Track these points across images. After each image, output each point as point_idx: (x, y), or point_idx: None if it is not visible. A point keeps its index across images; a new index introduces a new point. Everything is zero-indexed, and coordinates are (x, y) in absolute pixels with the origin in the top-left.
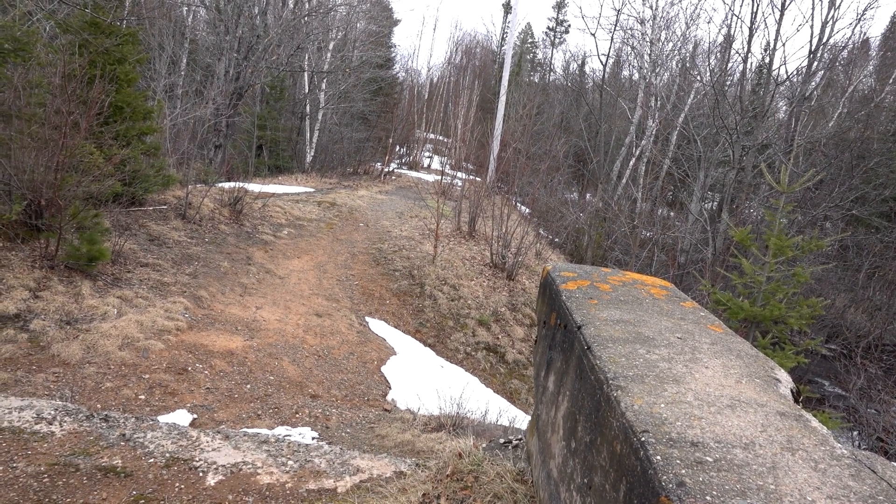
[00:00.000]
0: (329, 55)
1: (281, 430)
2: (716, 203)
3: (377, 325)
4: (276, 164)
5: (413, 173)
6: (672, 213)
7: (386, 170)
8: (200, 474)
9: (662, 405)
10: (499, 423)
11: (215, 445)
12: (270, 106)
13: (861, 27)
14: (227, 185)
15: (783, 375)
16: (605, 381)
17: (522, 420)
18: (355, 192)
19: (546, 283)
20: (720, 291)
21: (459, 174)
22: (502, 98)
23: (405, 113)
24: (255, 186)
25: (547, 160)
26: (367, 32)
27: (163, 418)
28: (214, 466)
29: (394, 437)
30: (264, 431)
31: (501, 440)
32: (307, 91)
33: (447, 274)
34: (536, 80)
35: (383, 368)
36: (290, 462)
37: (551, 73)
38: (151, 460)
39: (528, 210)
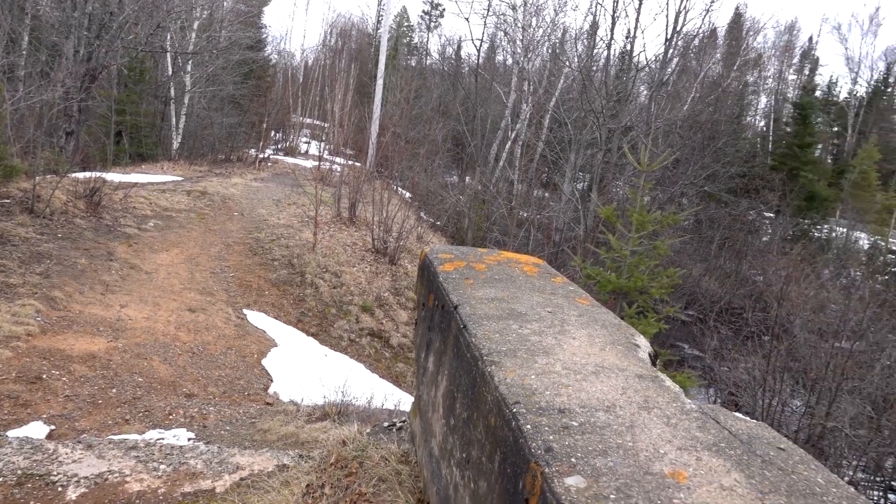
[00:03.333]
0: (194, 35)
1: (153, 434)
2: (586, 183)
3: (256, 318)
4: (138, 151)
5: (290, 159)
6: (547, 194)
7: (261, 156)
8: (59, 489)
9: (533, 377)
10: (384, 407)
11: (76, 456)
12: (130, 89)
13: (710, 17)
14: (82, 175)
15: (642, 341)
16: (480, 358)
17: (408, 402)
18: (228, 179)
19: (424, 265)
20: (591, 266)
21: (338, 159)
22: (380, 82)
23: (279, 97)
24: (115, 176)
25: (426, 144)
26: (234, 12)
27: (13, 433)
28: (76, 479)
29: (277, 431)
30: (133, 437)
31: (386, 424)
32: (171, 73)
33: (328, 261)
34: (414, 64)
35: (264, 361)
36: (162, 466)
37: (428, 58)
38: (0, 479)
39: (409, 194)
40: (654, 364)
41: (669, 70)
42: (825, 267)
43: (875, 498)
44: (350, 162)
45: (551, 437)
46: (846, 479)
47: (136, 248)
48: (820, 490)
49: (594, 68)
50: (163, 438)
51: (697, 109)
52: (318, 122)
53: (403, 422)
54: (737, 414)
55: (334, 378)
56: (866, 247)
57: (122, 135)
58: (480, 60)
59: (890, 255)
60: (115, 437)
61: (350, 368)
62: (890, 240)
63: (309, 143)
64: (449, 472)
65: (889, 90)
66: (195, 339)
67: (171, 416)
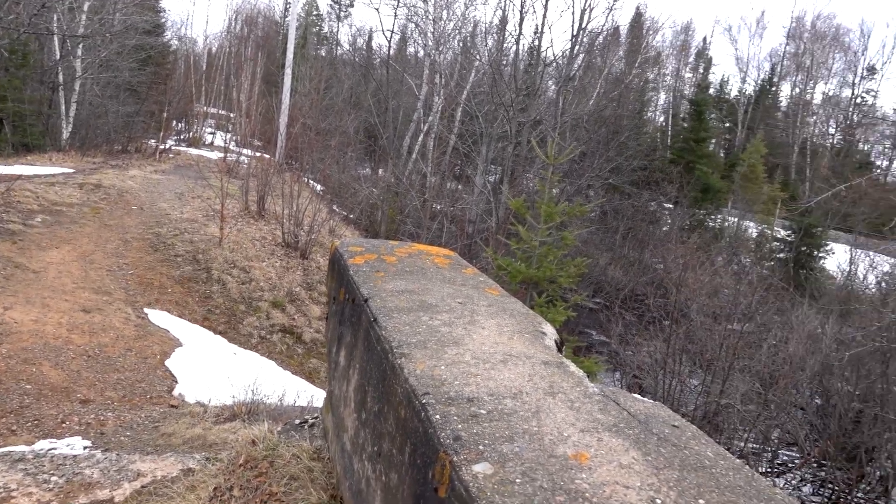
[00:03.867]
0: (84, 17)
1: (43, 444)
2: (498, 175)
3: (159, 317)
4: (22, 141)
5: (194, 150)
6: (460, 186)
7: (162, 147)
8: None
9: (443, 367)
10: (297, 404)
11: None
12: (12, 74)
13: (612, 16)
14: None
15: (549, 329)
16: (391, 350)
17: (321, 399)
18: (125, 171)
19: (335, 258)
20: (502, 257)
21: (246, 151)
22: (288, 71)
23: (181, 85)
24: None
25: (338, 136)
26: None
27: None
28: None
29: (182, 434)
30: (21, 448)
31: (298, 421)
32: (59, 58)
33: (236, 256)
34: (324, 55)
35: (167, 362)
36: (54, 478)
37: (338, 48)
38: None
39: (320, 187)
40: (559, 351)
41: (576, 66)
42: (719, 254)
43: (764, 467)
44: (258, 154)
45: (460, 426)
46: (738, 450)
47: (21, 245)
48: (709, 463)
49: (504, 62)
50: (55, 448)
51: (602, 105)
52: (223, 112)
53: (316, 418)
54: (635, 395)
55: (244, 377)
56: (755, 235)
57: (4, 123)
58: (392, 52)
59: (775, 243)
60: (1, 450)
61: (261, 366)
62: (775, 228)
63: (214, 133)
64: (361, 467)
65: (773, 89)
66: (90, 342)
67: (64, 425)
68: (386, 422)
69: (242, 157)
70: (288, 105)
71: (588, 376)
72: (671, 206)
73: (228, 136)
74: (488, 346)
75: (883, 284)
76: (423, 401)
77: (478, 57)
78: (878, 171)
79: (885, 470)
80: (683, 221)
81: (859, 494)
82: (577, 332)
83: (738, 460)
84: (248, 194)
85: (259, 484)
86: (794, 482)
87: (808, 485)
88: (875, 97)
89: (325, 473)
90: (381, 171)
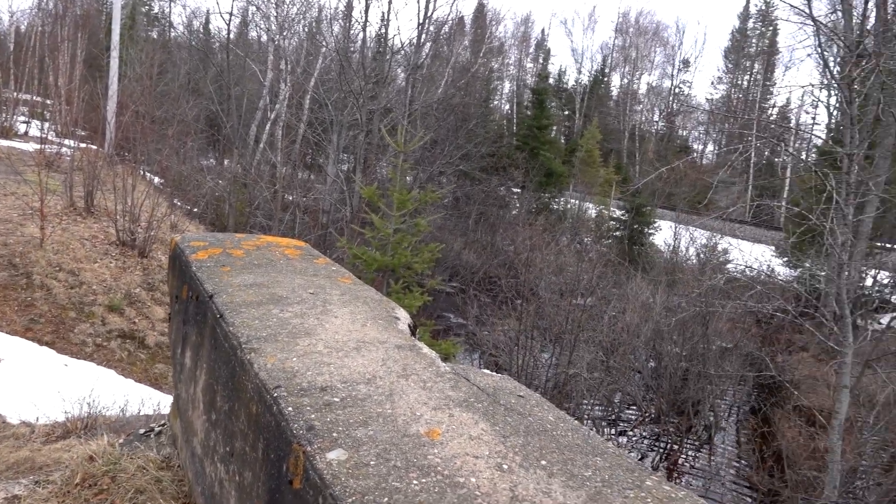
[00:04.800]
0: None
1: None
2: (351, 164)
3: None
4: None
5: (4, 142)
6: (312, 176)
7: None
8: None
9: (295, 359)
10: (142, 413)
11: None
12: None
13: (457, 5)
14: None
15: (402, 314)
16: (239, 346)
17: (169, 405)
18: None
19: (175, 255)
20: (357, 246)
21: (68, 141)
22: (115, 54)
23: None
24: None
25: (176, 124)
26: None
27: None
28: None
29: (5, 459)
30: None
31: (142, 431)
32: None
33: (62, 258)
34: (156, 37)
35: None
36: None
37: (172, 30)
38: None
39: (158, 179)
40: (413, 334)
41: (423, 54)
42: (563, 234)
43: (608, 428)
44: (84, 144)
45: (313, 416)
46: (586, 415)
47: None
48: (551, 426)
49: (352, 49)
50: None
51: (450, 93)
52: (38, 99)
53: (163, 425)
54: (485, 371)
55: (78, 389)
56: (594, 215)
57: None
58: (232, 36)
59: (612, 222)
60: None
61: (97, 376)
62: (611, 208)
63: (28, 122)
64: (213, 469)
65: (605, 79)
66: None
67: None
68: (237, 420)
69: (65, 149)
70: (116, 91)
71: (446, 358)
72: (518, 190)
73: (46, 125)
74: (342, 334)
75: (701, 256)
76: (275, 394)
77: (324, 43)
78: (695, 154)
79: (708, 420)
80: (530, 205)
81: (688, 443)
82: (435, 316)
83: (576, 422)
84: (72, 189)
85: (100, 502)
86: (634, 439)
87: (646, 440)
88: (690, 87)
89: (176, 482)
90: (226, 161)
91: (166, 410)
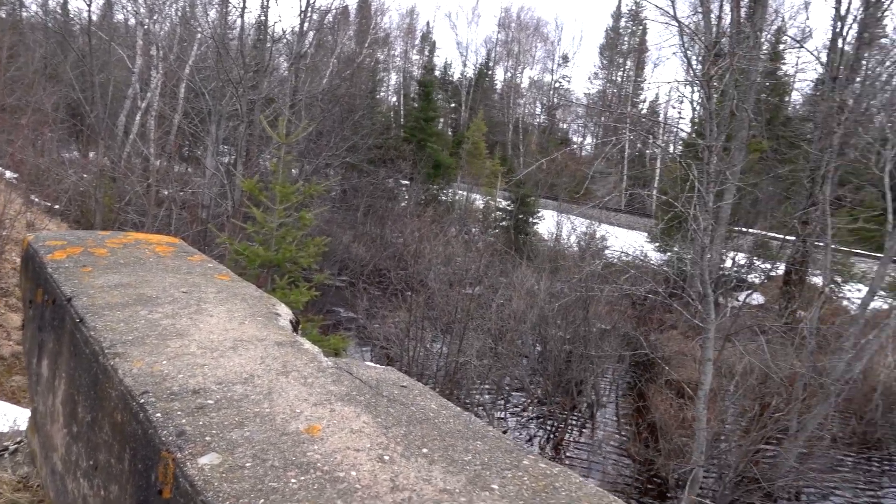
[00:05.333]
0: None
1: None
2: (233, 157)
3: None
4: None
5: None
6: (190, 169)
7: None
8: None
9: (165, 362)
10: None
11: None
12: None
13: None
14: None
15: (283, 310)
16: (101, 352)
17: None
18: None
19: (28, 256)
20: (239, 242)
21: None
22: None
23: None
24: None
25: (30, 113)
26: None
27: None
28: None
29: None
30: None
31: None
32: None
33: None
34: (4, 16)
35: None
36: None
37: (24, 10)
38: None
39: (11, 174)
40: (295, 330)
41: (307, 43)
42: (451, 226)
43: (498, 413)
44: None
45: (184, 421)
46: (477, 401)
47: None
48: (433, 415)
49: (230, 36)
50: None
51: (335, 84)
52: None
53: (20, 442)
54: (368, 363)
55: None
56: (481, 206)
57: None
58: (94, 17)
59: (498, 212)
60: None
61: None
62: (497, 199)
63: None
64: (76, 486)
65: (490, 73)
66: None
67: None
68: (101, 431)
69: None
70: None
71: (337, 353)
72: (407, 182)
73: None
74: (217, 333)
75: (581, 243)
76: (142, 401)
77: (199, 29)
78: (575, 146)
79: (590, 398)
80: (419, 196)
81: (573, 421)
82: (324, 311)
83: (458, 408)
84: None
85: None
86: (523, 420)
87: (534, 421)
88: (570, 82)
89: (36, 503)
90: (91, 154)
91: (25, 426)
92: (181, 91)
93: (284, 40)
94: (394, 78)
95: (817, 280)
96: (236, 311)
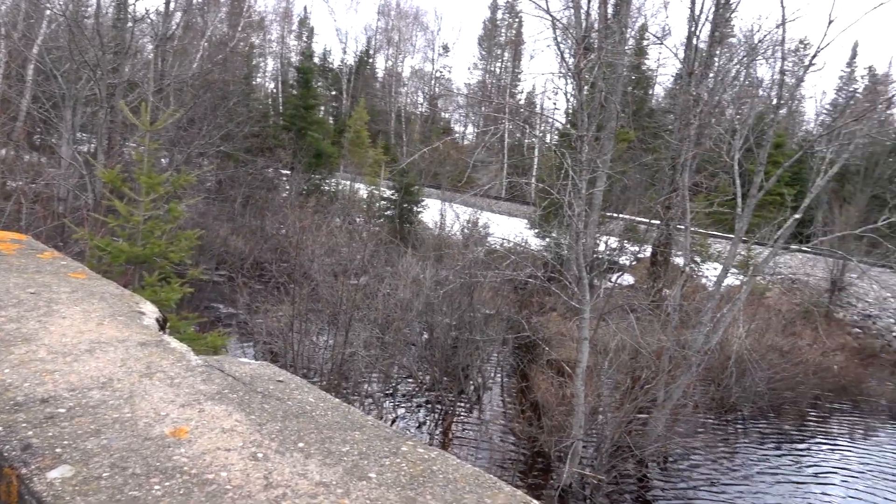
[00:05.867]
0: None
1: None
2: (93, 145)
3: None
4: None
5: None
6: (43, 159)
7: None
8: None
9: (8, 371)
10: None
11: None
12: None
13: None
14: None
15: (148, 308)
16: None
17: None
18: None
19: None
20: (101, 238)
21: None
22: None
23: None
24: None
25: None
26: None
27: None
28: None
29: None
30: None
31: None
32: None
33: None
34: None
35: None
36: None
37: None
38: None
39: None
40: (162, 329)
41: (174, 24)
42: (335, 216)
43: (387, 402)
44: None
45: (31, 433)
46: (366, 392)
47: None
48: (310, 408)
49: (85, 15)
50: None
51: (207, 68)
52: None
53: None
54: (241, 359)
55: None
56: (365, 195)
57: None
58: None
59: (382, 202)
60: None
61: None
62: (381, 188)
63: None
64: None
65: (371, 61)
66: None
67: None
68: None
69: None
70: None
71: (215, 351)
72: (288, 172)
73: None
74: (71, 336)
75: (464, 231)
76: None
77: (49, 6)
78: (457, 135)
79: (477, 382)
80: (300, 187)
81: (461, 405)
82: (202, 308)
83: (336, 400)
84: None
85: None
86: (412, 408)
87: (423, 407)
88: (451, 72)
89: None
90: None
91: None
92: (29, 72)
93: (148, 21)
94: (271, 64)
95: (679, 260)
96: (94, 311)
